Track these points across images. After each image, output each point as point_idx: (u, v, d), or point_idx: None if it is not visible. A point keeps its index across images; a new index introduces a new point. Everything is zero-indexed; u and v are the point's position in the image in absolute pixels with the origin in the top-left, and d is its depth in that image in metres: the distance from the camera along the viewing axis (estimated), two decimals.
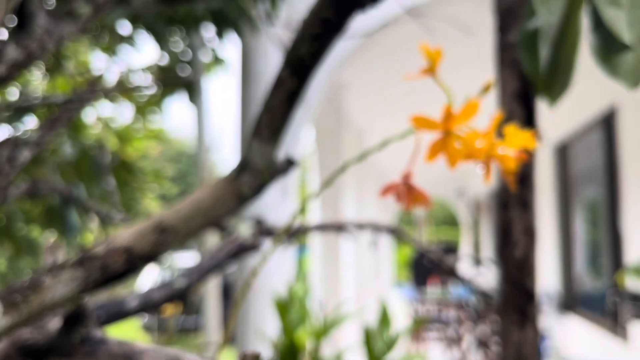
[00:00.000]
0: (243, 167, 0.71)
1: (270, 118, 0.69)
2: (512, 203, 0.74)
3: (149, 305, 1.10)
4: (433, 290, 9.18)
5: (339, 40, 0.64)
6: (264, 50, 3.27)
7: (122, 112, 4.46)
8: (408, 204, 0.50)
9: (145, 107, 4.05)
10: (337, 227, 1.50)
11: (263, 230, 1.38)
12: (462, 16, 2.51)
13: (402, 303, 9.77)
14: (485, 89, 0.53)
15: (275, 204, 3.42)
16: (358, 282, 5.92)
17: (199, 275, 1.20)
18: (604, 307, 4.85)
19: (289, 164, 0.78)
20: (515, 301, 0.72)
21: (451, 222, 16.77)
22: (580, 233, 5.72)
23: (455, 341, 7.09)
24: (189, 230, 0.70)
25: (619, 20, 0.51)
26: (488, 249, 11.73)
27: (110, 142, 4.35)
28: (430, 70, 0.53)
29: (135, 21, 2.46)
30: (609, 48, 0.56)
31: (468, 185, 11.33)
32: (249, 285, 0.68)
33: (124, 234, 0.70)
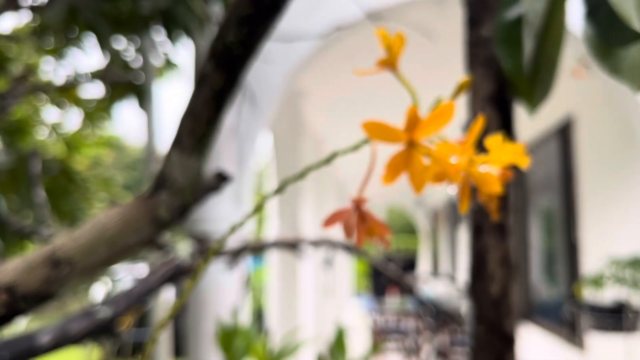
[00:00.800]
0: (159, 184, 0.58)
1: (193, 123, 0.56)
2: (486, 229, 0.62)
3: (66, 340, 0.95)
4: (392, 300, 9.12)
5: (275, 24, 0.51)
6: None
7: (70, 119, 4.25)
8: (360, 239, 0.38)
9: (94, 113, 3.84)
10: (290, 245, 1.37)
11: (206, 249, 1.24)
12: (425, 21, 2.42)
13: (361, 314, 9.69)
14: (460, 89, 0.41)
15: (228, 215, 3.27)
16: (316, 293, 5.79)
17: (127, 303, 1.05)
18: (561, 316, 4.84)
19: (221, 179, 0.64)
20: (491, 347, 0.60)
21: (410, 230, 16.82)
22: (536, 241, 5.75)
23: (414, 351, 7.04)
24: (90, 264, 0.56)
25: (627, 3, 0.40)
26: (446, 258, 11.78)
27: (57, 149, 4.13)
28: (389, 62, 0.41)
29: (73, 19, 2.29)
30: (610, 39, 0.46)
31: (426, 194, 11.34)
32: (176, 309, 0.55)
33: (7, 267, 0.55)
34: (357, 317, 9.86)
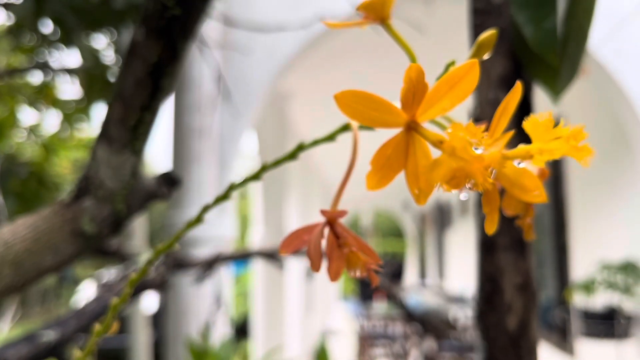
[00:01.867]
0: (82, 188, 0.45)
1: (123, 109, 0.43)
2: (501, 245, 0.49)
3: None
4: (379, 304, 9.00)
5: None
6: (199, 53, 2.99)
7: (48, 120, 4.10)
8: (334, 271, 0.26)
9: (73, 115, 3.70)
10: (269, 255, 1.24)
11: (172, 262, 1.11)
12: (413, 19, 2.30)
13: (348, 318, 9.57)
14: (483, 48, 0.29)
15: (211, 219, 3.13)
16: (302, 298, 5.66)
17: (77, 324, 0.91)
18: (551, 322, 4.75)
19: (167, 183, 0.51)
20: None
21: (397, 233, 16.71)
22: None
23: (401, 357, 6.93)
24: None
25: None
26: (434, 262, 11.70)
27: (34, 152, 3.99)
28: (378, 10, 0.29)
29: (40, 12, 2.15)
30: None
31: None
32: (106, 327, 0.41)
33: None
34: (344, 322, 9.73)
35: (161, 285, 1.02)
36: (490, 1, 0.51)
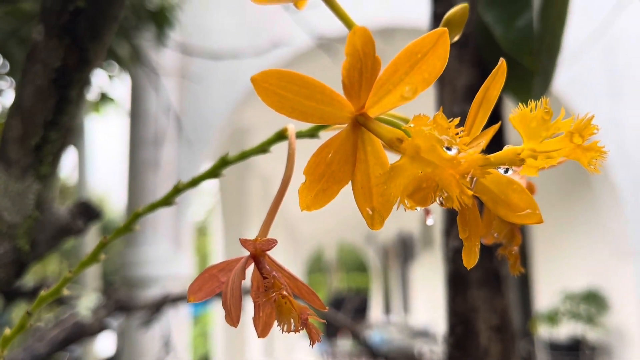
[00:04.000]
0: None
1: (23, 125, 0.36)
2: (474, 280, 0.43)
3: None
4: (344, 342, 8.84)
5: None
6: (155, 86, 2.92)
7: None
8: (260, 322, 0.19)
9: None
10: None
11: (114, 304, 1.02)
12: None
13: (312, 356, 9.38)
14: (455, 23, 0.23)
15: (167, 258, 3.01)
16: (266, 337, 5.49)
17: None
18: None
19: (87, 215, 0.44)
20: None
21: (361, 268, 16.61)
22: None
23: None
24: None
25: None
26: (398, 296, 11.63)
27: None
28: None
29: None
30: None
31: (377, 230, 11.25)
32: None
33: None
34: None
35: (100, 331, 0.92)
36: (452, 4, 0.46)
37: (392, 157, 0.17)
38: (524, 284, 4.70)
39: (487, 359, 0.41)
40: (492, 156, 0.17)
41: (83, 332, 0.91)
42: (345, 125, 0.16)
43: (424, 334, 8.21)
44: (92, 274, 3.07)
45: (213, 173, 0.24)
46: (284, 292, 0.18)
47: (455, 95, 0.45)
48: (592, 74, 3.11)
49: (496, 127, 0.17)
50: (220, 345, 4.50)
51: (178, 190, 0.24)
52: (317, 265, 16.12)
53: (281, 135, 0.23)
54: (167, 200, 0.25)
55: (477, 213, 0.17)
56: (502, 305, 0.43)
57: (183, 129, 2.87)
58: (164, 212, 2.93)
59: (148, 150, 3.04)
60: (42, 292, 0.27)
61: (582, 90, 3.08)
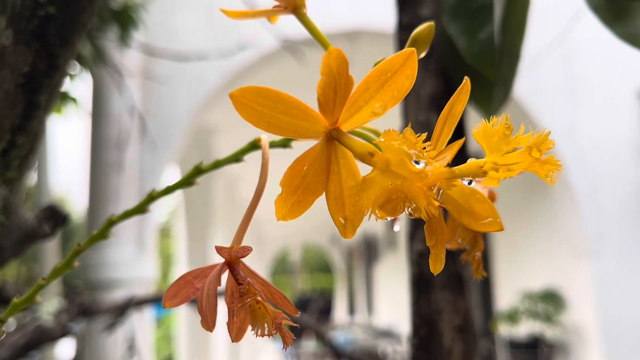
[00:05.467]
0: None
1: None
2: (437, 282, 0.44)
3: None
4: (308, 342, 8.86)
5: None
6: (119, 87, 2.87)
7: None
8: (234, 327, 0.20)
9: None
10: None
11: (77, 308, 1.00)
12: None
13: (277, 357, 9.36)
14: (421, 41, 0.24)
15: (130, 261, 2.96)
16: (229, 339, 5.45)
17: None
18: None
19: (52, 219, 0.44)
20: None
21: (326, 269, 16.66)
22: None
23: None
24: None
25: None
26: (362, 297, 11.70)
27: None
28: (292, 0, 0.23)
29: None
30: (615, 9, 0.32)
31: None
32: None
33: None
34: None
35: (62, 336, 0.91)
36: (418, 14, 0.47)
37: (363, 169, 0.18)
38: (486, 285, 4.79)
39: (450, 359, 0.42)
40: (457, 169, 0.18)
41: (45, 337, 0.90)
42: (319, 139, 0.17)
43: (388, 334, 8.29)
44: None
45: (187, 182, 0.25)
46: (259, 298, 0.19)
47: (420, 104, 0.47)
48: (550, 80, 3.20)
49: (460, 142, 0.18)
50: (184, 348, 4.45)
51: (152, 198, 0.25)
52: (282, 267, 16.09)
53: (254, 145, 0.23)
54: (142, 208, 0.25)
55: (443, 222, 0.18)
56: (465, 306, 0.45)
57: (147, 130, 2.83)
58: None
59: (110, 152, 2.99)
60: (15, 299, 0.27)
61: (541, 96, 3.16)
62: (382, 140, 0.16)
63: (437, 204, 0.16)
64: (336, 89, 0.16)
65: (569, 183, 3.20)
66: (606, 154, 3.26)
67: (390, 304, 9.15)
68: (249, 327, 0.19)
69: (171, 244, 8.26)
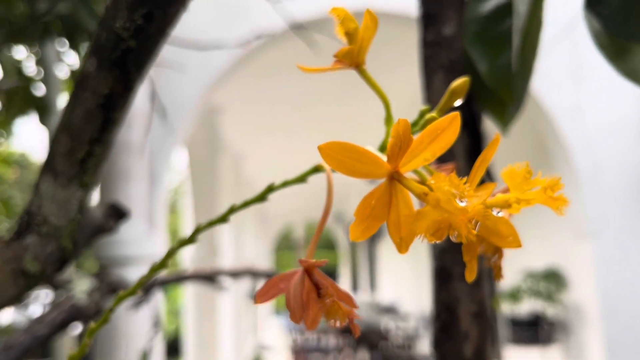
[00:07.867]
0: (25, 224, 0.42)
1: (70, 142, 0.41)
2: (456, 275, 0.51)
3: None
4: None
5: (182, 5, 0.38)
6: None
7: None
8: (311, 320, 0.25)
9: None
10: (207, 278, 1.22)
11: (107, 286, 1.07)
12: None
13: (280, 333, 9.51)
14: (455, 95, 0.29)
15: (140, 238, 3.03)
16: (235, 313, 5.57)
17: (6, 359, 0.85)
18: None
19: (115, 216, 0.49)
20: None
21: (330, 246, 16.82)
22: None
23: None
24: None
25: None
26: (365, 274, 11.84)
27: None
28: (353, 56, 0.28)
29: None
30: (618, 31, 0.37)
31: (345, 209, 11.38)
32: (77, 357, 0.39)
33: None
34: (277, 337, 9.67)
35: (96, 314, 0.97)
36: (440, 32, 0.52)
37: (416, 203, 0.23)
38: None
39: (467, 341, 0.48)
40: (490, 202, 0.23)
41: (80, 315, 0.96)
42: (384, 179, 0.23)
43: (391, 311, 8.43)
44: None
45: (224, 219, 0.30)
46: (334, 299, 0.24)
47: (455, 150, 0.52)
48: (556, 62, 3.22)
49: (493, 185, 0.24)
50: (191, 322, 4.55)
51: (213, 223, 0.30)
52: (285, 243, 16.24)
53: (317, 169, 0.29)
54: (224, 218, 0.30)
55: (478, 244, 0.24)
56: (480, 295, 0.51)
57: (164, 110, 2.88)
58: (137, 191, 2.95)
59: (121, 132, 3.04)
60: (121, 292, 0.33)
61: (547, 77, 3.19)
62: (433, 182, 0.22)
63: (475, 232, 0.21)
64: (401, 146, 0.21)
65: (573, 164, 3.25)
66: (610, 136, 3.30)
67: (393, 281, 9.28)
68: (322, 318, 0.25)
69: (176, 219, 8.36)
